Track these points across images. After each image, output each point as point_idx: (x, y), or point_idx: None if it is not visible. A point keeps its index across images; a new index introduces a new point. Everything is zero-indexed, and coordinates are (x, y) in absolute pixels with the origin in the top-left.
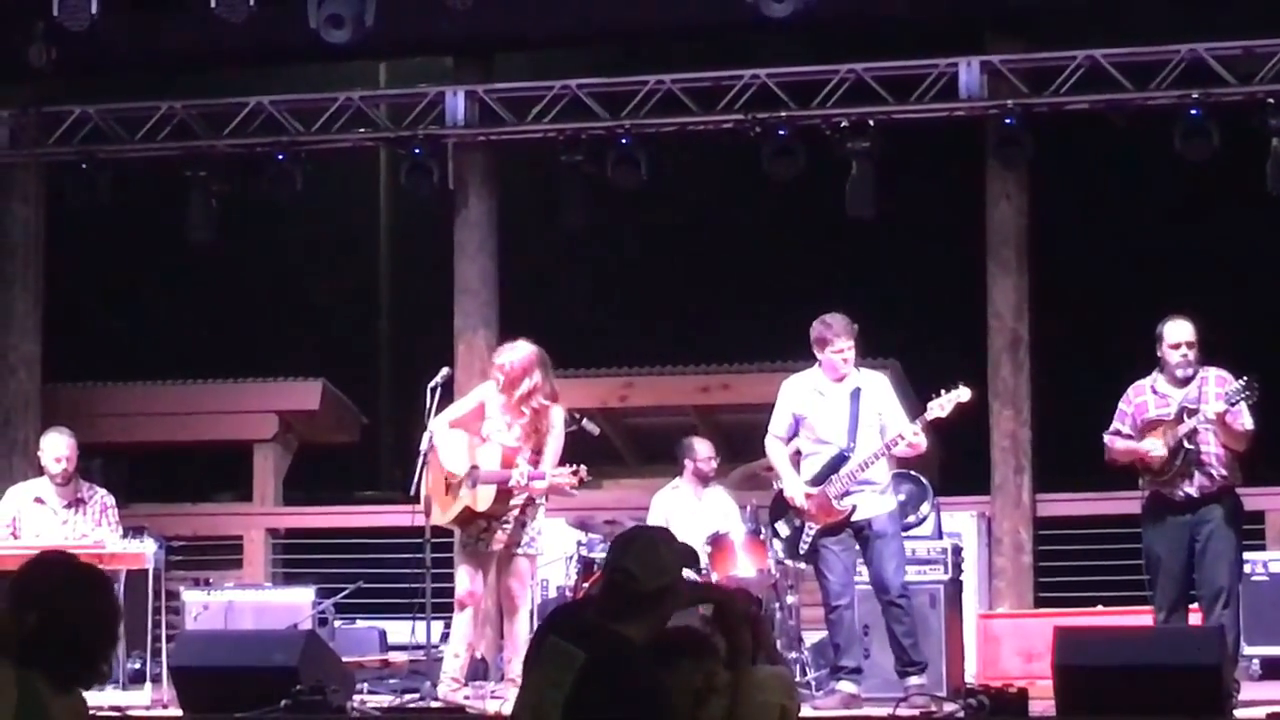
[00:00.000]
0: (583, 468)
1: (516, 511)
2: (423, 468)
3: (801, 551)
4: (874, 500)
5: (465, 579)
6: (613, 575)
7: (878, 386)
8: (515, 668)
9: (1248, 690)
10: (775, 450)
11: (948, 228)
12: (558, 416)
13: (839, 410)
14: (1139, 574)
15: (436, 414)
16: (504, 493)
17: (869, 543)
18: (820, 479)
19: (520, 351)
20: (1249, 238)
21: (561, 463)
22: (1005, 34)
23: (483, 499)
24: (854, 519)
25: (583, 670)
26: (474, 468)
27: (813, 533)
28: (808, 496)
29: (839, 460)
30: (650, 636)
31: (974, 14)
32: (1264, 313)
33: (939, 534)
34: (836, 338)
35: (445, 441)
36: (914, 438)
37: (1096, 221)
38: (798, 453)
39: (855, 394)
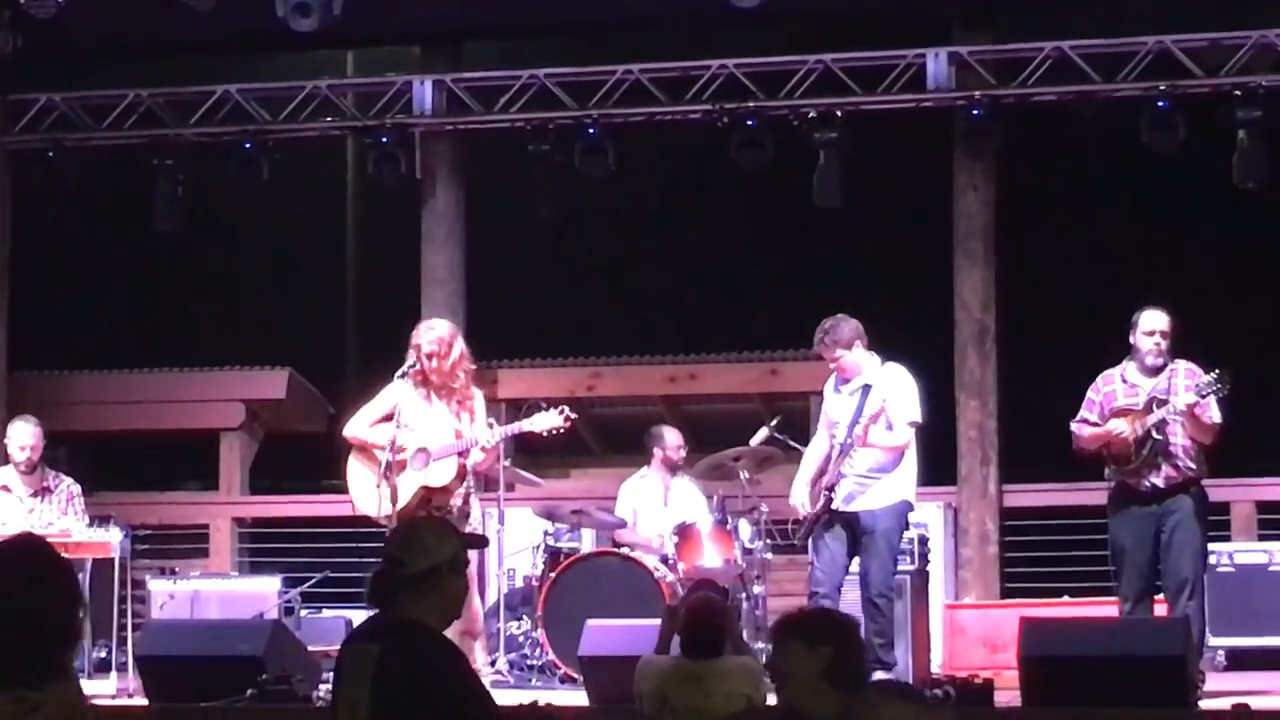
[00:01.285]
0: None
1: (460, 502)
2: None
3: (799, 536)
4: (866, 494)
5: None
6: (381, 565)
7: (887, 381)
8: (478, 655)
9: (1213, 681)
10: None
11: (915, 218)
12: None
13: (848, 405)
14: (1105, 565)
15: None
16: (461, 467)
17: (859, 537)
18: (820, 474)
19: (443, 325)
20: (1215, 230)
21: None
22: (973, 25)
23: (441, 474)
24: (844, 510)
25: (378, 662)
26: (420, 450)
27: (808, 519)
28: (811, 484)
29: (836, 452)
30: (445, 620)
31: (942, 5)
32: (1230, 306)
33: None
34: (822, 351)
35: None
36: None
37: (1063, 213)
38: None
39: (865, 390)
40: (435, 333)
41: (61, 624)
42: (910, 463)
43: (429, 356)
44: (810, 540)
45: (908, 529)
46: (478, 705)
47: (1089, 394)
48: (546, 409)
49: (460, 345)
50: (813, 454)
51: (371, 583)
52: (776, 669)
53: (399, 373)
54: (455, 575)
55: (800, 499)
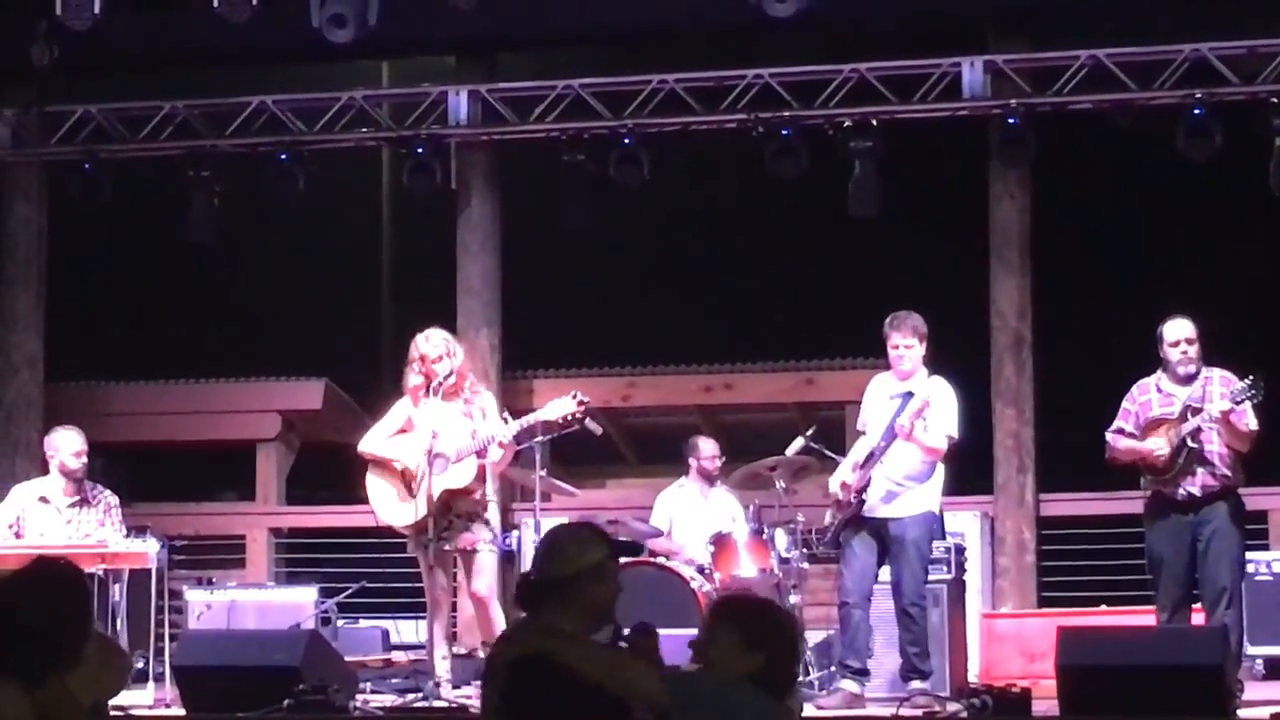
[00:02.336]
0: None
1: (479, 508)
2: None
3: (826, 540)
4: (897, 501)
5: (434, 580)
6: (524, 575)
7: (933, 389)
8: None
9: (1251, 690)
10: (857, 443)
11: (951, 227)
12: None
13: (887, 409)
14: (1142, 574)
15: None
16: (481, 467)
17: (890, 545)
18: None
19: (440, 332)
20: (1252, 238)
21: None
22: (1008, 34)
23: (461, 476)
24: (873, 516)
25: (513, 664)
26: (438, 455)
27: (837, 522)
28: (842, 486)
29: (868, 457)
30: (586, 625)
31: (977, 14)
32: (1267, 313)
33: (942, 533)
34: (893, 333)
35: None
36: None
37: (1099, 221)
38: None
39: (906, 396)
40: (438, 336)
41: (64, 630)
42: (939, 477)
43: (436, 360)
44: (837, 546)
45: (940, 538)
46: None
47: (1124, 403)
48: (583, 419)
49: (459, 347)
50: (855, 449)
51: (517, 587)
52: (703, 652)
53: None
54: (598, 582)
55: (837, 485)
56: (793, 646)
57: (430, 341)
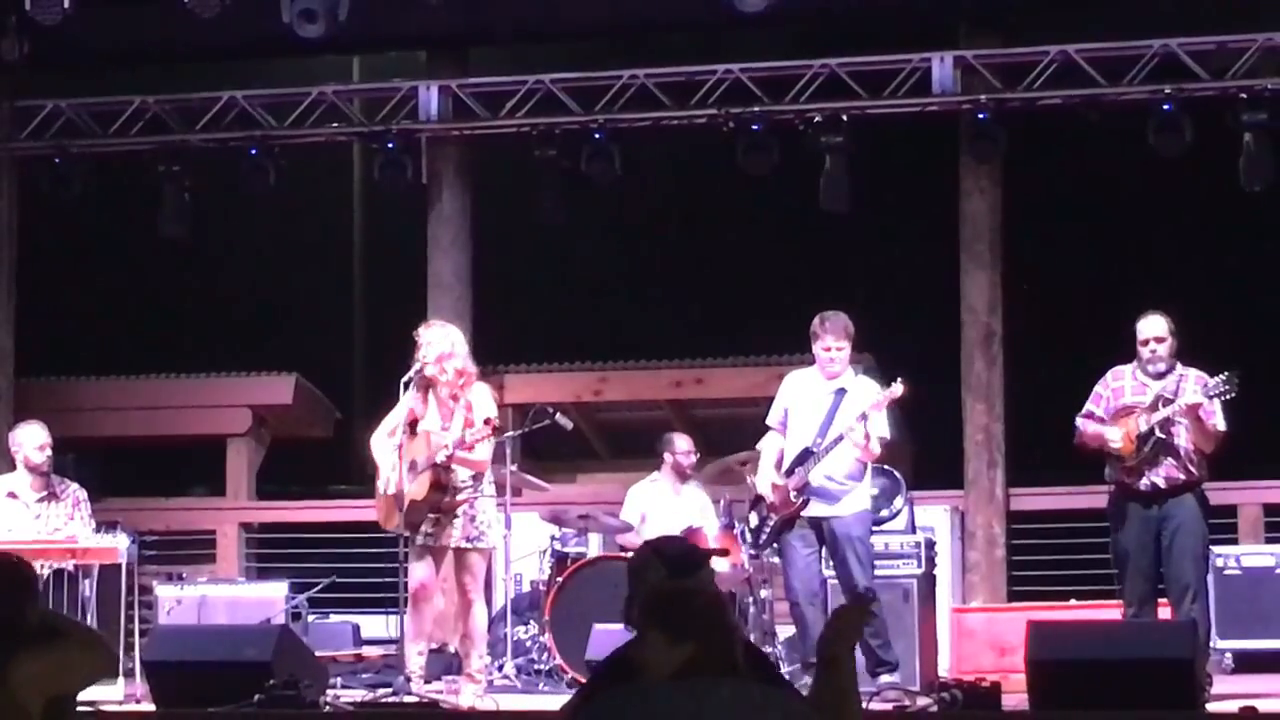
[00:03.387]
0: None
1: (466, 505)
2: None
3: (761, 541)
4: (837, 501)
5: (418, 574)
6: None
7: (865, 392)
8: (474, 662)
9: (1220, 684)
10: (766, 439)
11: (921, 222)
12: (480, 386)
13: (819, 407)
14: (1112, 568)
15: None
16: (436, 478)
17: (831, 542)
18: (788, 472)
19: (434, 326)
20: (1221, 233)
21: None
22: (979, 29)
23: (418, 488)
24: (811, 515)
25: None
26: (413, 463)
27: (772, 523)
28: (773, 488)
29: (804, 455)
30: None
31: (947, 9)
32: (1237, 308)
33: (912, 528)
34: (825, 335)
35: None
36: (857, 438)
37: (1069, 216)
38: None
39: (839, 394)
40: (429, 329)
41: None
42: (869, 477)
43: (439, 359)
44: (775, 546)
45: (911, 533)
46: None
47: (1097, 387)
48: (553, 414)
49: (445, 343)
50: (771, 446)
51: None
52: (636, 658)
53: (405, 380)
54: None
55: (767, 486)
56: (721, 627)
57: (435, 334)
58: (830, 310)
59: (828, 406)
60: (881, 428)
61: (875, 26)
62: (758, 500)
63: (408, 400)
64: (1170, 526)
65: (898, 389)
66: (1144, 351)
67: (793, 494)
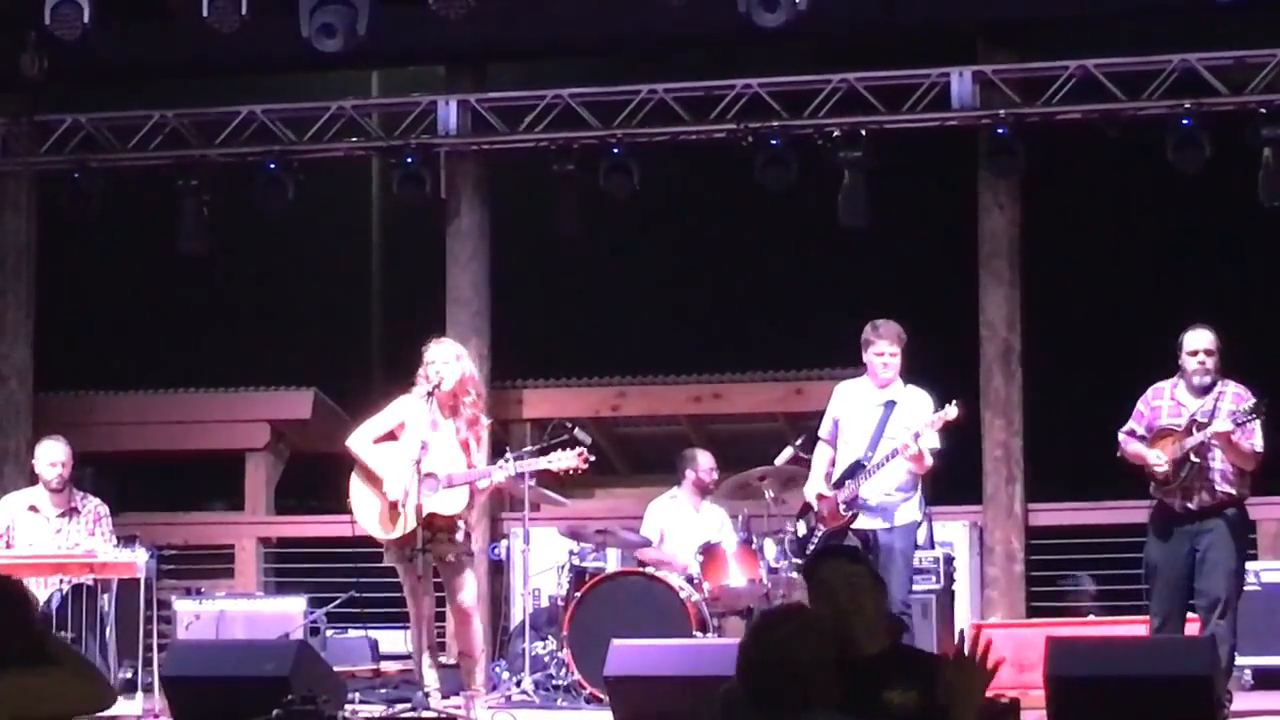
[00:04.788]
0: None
1: (461, 536)
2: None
3: (808, 552)
4: (885, 513)
5: (416, 592)
6: None
7: (916, 404)
8: (477, 677)
9: (1240, 700)
10: (816, 450)
11: (940, 237)
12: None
13: (869, 419)
14: (1131, 583)
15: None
16: (472, 498)
17: (878, 554)
18: (837, 484)
19: (451, 344)
20: (1241, 248)
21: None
22: (997, 44)
23: (452, 503)
24: (858, 528)
25: None
26: (429, 475)
27: (820, 534)
28: (820, 498)
29: (855, 468)
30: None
31: (966, 24)
32: (1257, 324)
33: (931, 544)
34: (879, 339)
35: (379, 459)
36: (909, 453)
37: (1088, 231)
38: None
39: (889, 405)
40: (438, 347)
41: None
42: (919, 487)
43: (427, 364)
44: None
45: (930, 548)
46: None
47: (1139, 404)
48: (571, 429)
49: (470, 365)
50: (821, 457)
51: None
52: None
53: (418, 391)
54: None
55: (814, 495)
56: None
57: (431, 349)
58: (881, 318)
59: (878, 419)
60: (933, 440)
61: (894, 41)
62: (805, 509)
63: (406, 412)
64: (1205, 541)
65: (951, 411)
66: (1191, 363)
67: (842, 506)
